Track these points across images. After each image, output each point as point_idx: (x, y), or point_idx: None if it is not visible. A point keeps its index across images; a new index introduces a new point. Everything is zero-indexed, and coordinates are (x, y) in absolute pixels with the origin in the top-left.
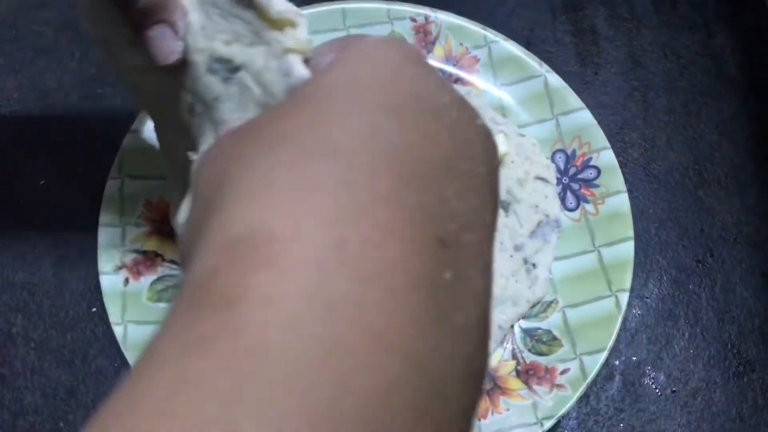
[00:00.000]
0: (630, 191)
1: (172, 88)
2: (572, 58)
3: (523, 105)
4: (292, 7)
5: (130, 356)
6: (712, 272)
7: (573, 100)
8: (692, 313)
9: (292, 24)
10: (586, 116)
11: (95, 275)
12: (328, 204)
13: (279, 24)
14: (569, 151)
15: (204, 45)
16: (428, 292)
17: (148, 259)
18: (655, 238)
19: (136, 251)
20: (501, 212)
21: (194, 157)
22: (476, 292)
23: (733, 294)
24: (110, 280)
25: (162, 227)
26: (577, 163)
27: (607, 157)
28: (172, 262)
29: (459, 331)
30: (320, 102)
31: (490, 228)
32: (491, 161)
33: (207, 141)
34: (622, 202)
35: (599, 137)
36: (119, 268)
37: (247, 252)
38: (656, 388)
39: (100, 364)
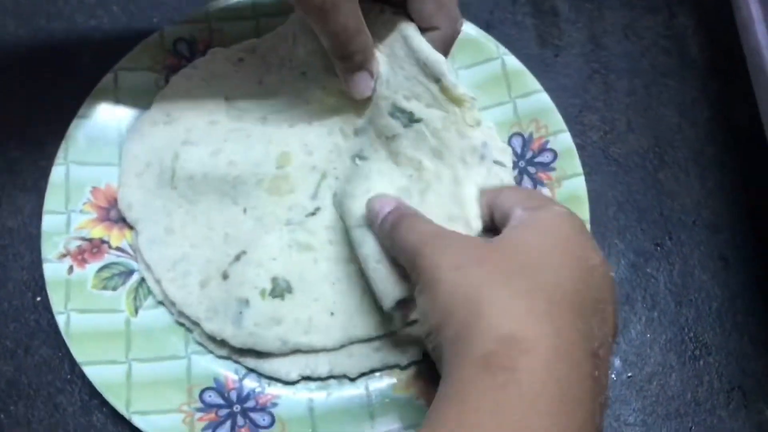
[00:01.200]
0: (589, 174)
1: (343, 111)
2: (532, 41)
3: (481, 88)
4: (467, 90)
5: (73, 345)
6: (671, 255)
7: (531, 82)
8: (650, 297)
9: (469, 103)
10: (543, 99)
11: (40, 265)
12: (546, 324)
13: (458, 101)
14: (526, 135)
15: (387, 94)
16: (588, 383)
17: (94, 247)
18: (614, 222)
19: (82, 239)
20: None
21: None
22: (604, 385)
23: (691, 277)
24: (53, 267)
25: (109, 214)
26: (534, 147)
27: (564, 140)
28: (119, 249)
29: (598, 407)
30: (525, 254)
31: (610, 345)
32: (614, 301)
33: (378, 157)
34: (578, 185)
35: (556, 120)
36: (63, 255)
37: (513, 343)
38: (612, 373)
39: (44, 354)
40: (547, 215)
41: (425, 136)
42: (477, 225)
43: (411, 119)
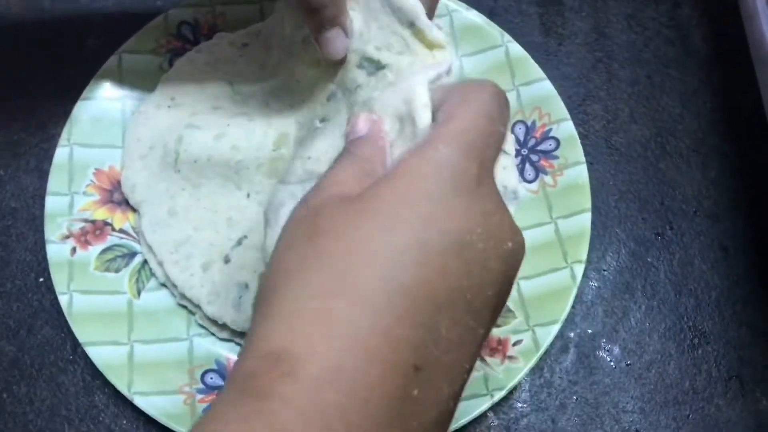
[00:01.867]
0: (591, 163)
1: (321, 80)
2: (536, 29)
3: (484, 75)
4: (442, 34)
5: (75, 326)
6: (671, 245)
7: (534, 70)
8: (650, 286)
9: (442, 47)
10: (546, 87)
11: (43, 245)
12: (337, 337)
13: (431, 45)
14: (529, 123)
15: (357, 47)
16: (394, 405)
17: (97, 228)
18: (615, 211)
19: (85, 220)
20: None
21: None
22: (440, 399)
23: (691, 267)
24: (56, 248)
25: (113, 196)
26: (537, 135)
27: (567, 129)
28: (122, 231)
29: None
30: (364, 238)
31: (480, 338)
32: (505, 281)
33: (338, 119)
34: (580, 173)
35: (559, 108)
36: (66, 237)
37: (276, 363)
38: (611, 360)
39: (47, 334)
40: (422, 164)
41: (387, 78)
42: (425, 117)
43: (378, 67)
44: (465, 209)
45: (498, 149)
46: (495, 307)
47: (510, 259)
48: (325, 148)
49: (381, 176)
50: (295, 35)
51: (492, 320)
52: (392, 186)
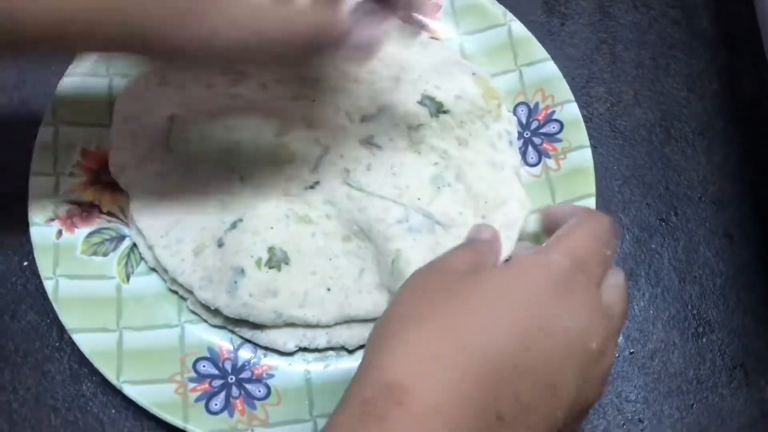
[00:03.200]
0: (594, 147)
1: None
2: (539, 8)
3: (486, 54)
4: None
5: (62, 312)
6: (676, 231)
7: (537, 50)
8: (654, 273)
9: (497, 99)
10: (550, 67)
11: (28, 228)
12: (436, 380)
13: (490, 95)
14: (532, 104)
15: (416, 83)
16: None
17: (84, 211)
18: (618, 196)
19: (71, 202)
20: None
21: None
22: None
23: (695, 254)
24: (41, 231)
25: (100, 177)
26: (540, 117)
27: (571, 111)
28: (110, 214)
29: None
30: (471, 304)
31: (559, 409)
32: (581, 373)
33: (395, 145)
34: (584, 157)
35: (563, 90)
36: (51, 219)
37: (391, 392)
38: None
39: (31, 319)
40: (532, 263)
41: (451, 126)
42: (528, 204)
43: (439, 110)
44: (561, 303)
45: (605, 269)
46: (573, 390)
47: (588, 358)
48: (413, 178)
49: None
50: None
51: (571, 400)
52: (503, 273)
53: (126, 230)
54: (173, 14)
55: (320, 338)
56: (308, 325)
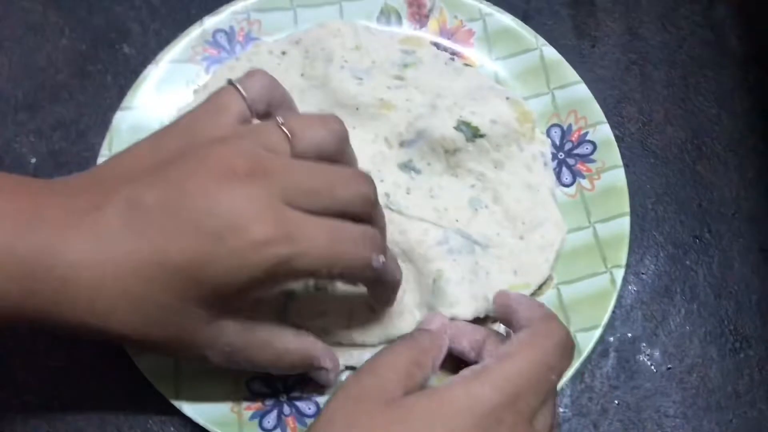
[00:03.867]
0: (627, 166)
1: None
2: (569, 31)
3: (519, 79)
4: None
5: None
6: (710, 248)
7: (569, 73)
8: (689, 290)
9: (532, 123)
10: (582, 90)
11: None
12: None
13: (524, 118)
14: (565, 126)
15: (452, 108)
16: None
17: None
18: (652, 213)
19: None
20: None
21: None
22: None
23: (730, 270)
24: None
25: None
26: (573, 138)
27: (604, 132)
28: None
29: None
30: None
31: None
32: None
33: (434, 168)
34: (618, 176)
35: (595, 111)
36: None
37: None
38: (651, 364)
39: (94, 343)
40: (460, 397)
41: (487, 149)
42: (564, 226)
43: (475, 134)
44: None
45: (545, 398)
46: None
47: None
48: (453, 199)
49: (423, 388)
50: (376, 72)
51: None
52: (428, 405)
53: None
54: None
55: (367, 356)
56: (355, 345)
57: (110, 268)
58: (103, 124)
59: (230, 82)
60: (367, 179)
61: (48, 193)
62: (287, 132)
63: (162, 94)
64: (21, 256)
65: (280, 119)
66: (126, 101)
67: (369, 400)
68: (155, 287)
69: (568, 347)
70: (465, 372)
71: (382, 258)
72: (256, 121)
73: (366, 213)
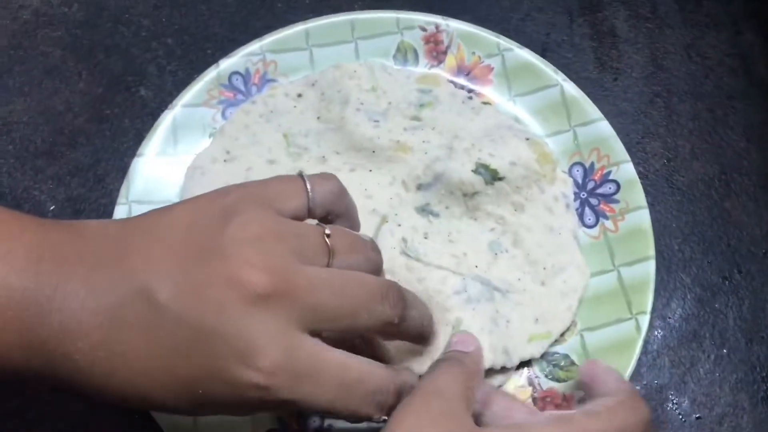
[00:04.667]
0: (652, 205)
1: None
2: (591, 64)
3: (539, 116)
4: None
5: None
6: (740, 289)
7: (591, 110)
8: (718, 334)
9: (553, 164)
10: (604, 127)
11: None
12: None
13: (544, 159)
14: (587, 164)
15: (467, 146)
16: None
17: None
18: (679, 254)
19: None
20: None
21: None
22: None
23: (762, 312)
24: None
25: None
26: (596, 177)
27: (627, 171)
28: None
29: None
30: None
31: None
32: None
33: (452, 212)
34: (642, 218)
35: (619, 149)
36: None
37: None
38: (680, 414)
39: None
40: None
41: (507, 192)
42: (587, 271)
43: (494, 177)
44: None
45: None
46: None
47: None
48: (471, 244)
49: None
50: (392, 113)
51: None
52: None
53: None
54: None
55: None
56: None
57: (119, 355)
58: (120, 170)
59: (301, 176)
60: (394, 296)
61: (72, 241)
62: (330, 247)
63: (178, 140)
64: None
65: (327, 231)
66: (142, 147)
67: (445, 424)
68: (163, 384)
69: (649, 429)
70: (549, 413)
71: (384, 417)
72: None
73: (388, 335)
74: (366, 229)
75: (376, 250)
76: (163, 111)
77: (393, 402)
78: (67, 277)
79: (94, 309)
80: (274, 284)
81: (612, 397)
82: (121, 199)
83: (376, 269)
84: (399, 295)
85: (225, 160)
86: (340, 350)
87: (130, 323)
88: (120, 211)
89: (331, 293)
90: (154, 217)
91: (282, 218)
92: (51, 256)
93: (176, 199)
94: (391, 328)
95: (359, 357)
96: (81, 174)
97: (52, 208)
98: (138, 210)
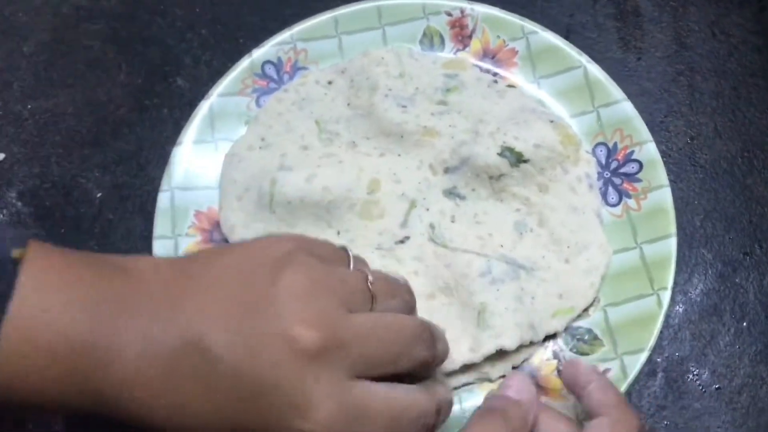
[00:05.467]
0: (674, 182)
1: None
2: (614, 44)
3: (563, 97)
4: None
5: None
6: (761, 264)
7: (614, 91)
8: (738, 308)
9: (577, 146)
10: (627, 108)
11: None
12: None
13: (568, 140)
14: (611, 145)
15: (495, 135)
16: None
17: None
18: (700, 231)
19: None
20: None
21: None
22: None
23: None
24: None
25: (213, 236)
26: (619, 157)
27: (650, 151)
28: None
29: None
30: None
31: None
32: None
33: (477, 194)
34: (664, 197)
35: (641, 130)
36: None
37: None
38: (700, 384)
39: None
40: None
41: (532, 173)
42: (609, 249)
43: (519, 159)
44: None
45: None
46: None
47: None
48: (498, 225)
49: None
50: (419, 98)
51: None
52: None
53: None
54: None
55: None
56: None
57: (178, 406)
58: (161, 158)
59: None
60: (428, 337)
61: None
62: (373, 293)
63: (215, 128)
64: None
65: (370, 277)
66: (181, 136)
67: None
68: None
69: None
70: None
71: None
72: None
73: (423, 373)
74: (396, 213)
75: (410, 292)
76: (199, 100)
77: (435, 420)
78: (124, 327)
79: (151, 359)
80: (324, 340)
81: (603, 418)
82: (163, 186)
83: (411, 310)
84: (432, 335)
85: (260, 147)
86: (383, 383)
87: (186, 374)
88: (163, 198)
89: (376, 342)
90: (205, 261)
91: (328, 267)
92: (107, 306)
93: (216, 186)
94: (425, 366)
95: (400, 386)
96: (125, 162)
97: (99, 195)
98: (180, 196)
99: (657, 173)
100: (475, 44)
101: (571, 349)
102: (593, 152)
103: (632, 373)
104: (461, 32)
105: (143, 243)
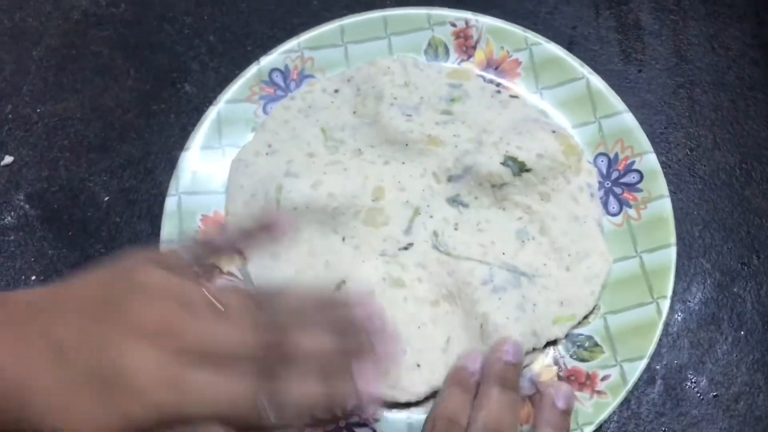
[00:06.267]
0: (674, 193)
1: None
2: (616, 56)
3: (565, 107)
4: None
5: None
6: (758, 274)
7: (615, 102)
8: (736, 317)
9: (578, 156)
10: (628, 119)
11: None
12: None
13: (572, 150)
14: (612, 155)
15: (496, 139)
16: None
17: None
18: (699, 241)
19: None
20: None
21: None
22: None
23: None
24: None
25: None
26: (620, 167)
27: (650, 161)
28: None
29: None
30: None
31: None
32: None
33: (480, 202)
34: (664, 207)
35: (642, 140)
36: None
37: None
38: (698, 392)
39: None
40: None
41: (534, 183)
42: (609, 258)
43: (522, 169)
44: None
45: None
46: None
47: None
48: (499, 233)
49: None
50: (424, 108)
51: None
52: None
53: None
54: None
55: (419, 387)
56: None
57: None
58: (168, 162)
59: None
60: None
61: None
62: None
63: (223, 134)
64: None
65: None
66: (189, 142)
67: None
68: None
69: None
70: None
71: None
72: None
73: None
74: (400, 220)
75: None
76: (206, 106)
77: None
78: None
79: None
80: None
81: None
82: (171, 190)
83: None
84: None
85: (267, 153)
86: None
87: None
88: (171, 203)
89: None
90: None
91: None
92: None
93: (222, 190)
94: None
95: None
96: (132, 167)
97: (106, 198)
98: (188, 201)
99: (657, 183)
100: (479, 55)
101: (571, 356)
102: (594, 162)
103: (631, 380)
104: (465, 43)
105: (151, 245)
